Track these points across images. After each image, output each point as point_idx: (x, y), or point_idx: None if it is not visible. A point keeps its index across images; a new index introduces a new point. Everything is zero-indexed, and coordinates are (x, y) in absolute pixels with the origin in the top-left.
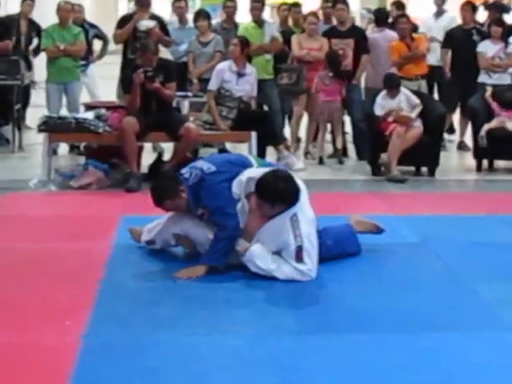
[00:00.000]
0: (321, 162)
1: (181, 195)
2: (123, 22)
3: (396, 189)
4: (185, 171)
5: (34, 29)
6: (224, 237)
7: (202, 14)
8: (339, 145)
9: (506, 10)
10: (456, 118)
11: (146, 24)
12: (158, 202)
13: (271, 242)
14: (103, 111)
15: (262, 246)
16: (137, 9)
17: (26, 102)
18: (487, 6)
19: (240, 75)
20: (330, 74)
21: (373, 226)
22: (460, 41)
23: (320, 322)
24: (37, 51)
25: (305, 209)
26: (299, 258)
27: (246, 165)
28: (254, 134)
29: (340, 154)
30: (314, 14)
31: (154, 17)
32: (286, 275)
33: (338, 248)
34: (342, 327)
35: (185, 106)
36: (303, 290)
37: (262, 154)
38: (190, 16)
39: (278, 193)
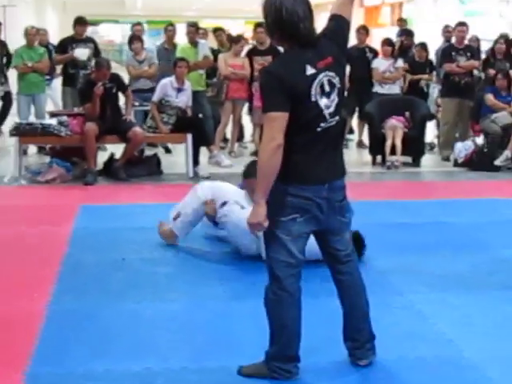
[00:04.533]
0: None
1: None
2: (62, 45)
3: None
4: None
5: (3, 48)
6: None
7: (135, 38)
8: None
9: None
10: (354, 121)
11: (81, 53)
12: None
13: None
14: (65, 118)
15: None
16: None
17: (6, 110)
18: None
19: (179, 90)
20: None
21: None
22: (356, 58)
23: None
24: (6, 67)
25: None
26: None
27: None
28: (189, 136)
29: None
30: (245, 39)
31: (88, 39)
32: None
33: None
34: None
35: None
36: (231, 263)
37: (196, 153)
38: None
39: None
